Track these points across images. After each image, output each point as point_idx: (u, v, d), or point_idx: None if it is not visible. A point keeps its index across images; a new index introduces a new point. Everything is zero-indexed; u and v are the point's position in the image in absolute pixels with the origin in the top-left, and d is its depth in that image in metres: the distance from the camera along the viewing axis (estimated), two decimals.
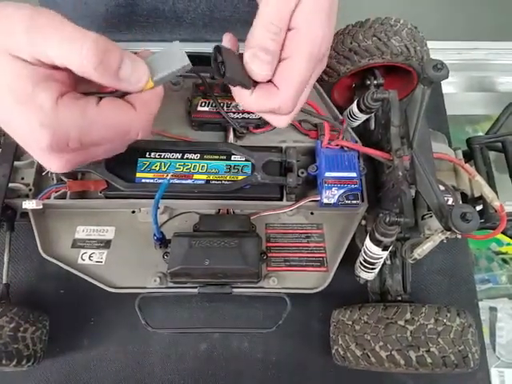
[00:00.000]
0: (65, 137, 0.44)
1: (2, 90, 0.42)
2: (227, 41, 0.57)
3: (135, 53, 0.48)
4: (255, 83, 0.52)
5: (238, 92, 0.54)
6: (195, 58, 0.77)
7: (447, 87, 1.05)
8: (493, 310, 1.02)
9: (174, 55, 0.48)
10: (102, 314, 0.76)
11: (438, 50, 1.04)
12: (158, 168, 0.69)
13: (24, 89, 0.42)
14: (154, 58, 0.48)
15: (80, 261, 0.67)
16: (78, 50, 0.41)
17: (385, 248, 0.60)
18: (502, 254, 1.10)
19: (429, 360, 0.57)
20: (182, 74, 0.50)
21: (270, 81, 0.52)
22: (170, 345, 0.75)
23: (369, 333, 0.61)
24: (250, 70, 0.51)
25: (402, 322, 0.60)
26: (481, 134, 0.76)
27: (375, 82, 0.77)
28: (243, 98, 0.54)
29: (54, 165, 0.48)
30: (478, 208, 0.69)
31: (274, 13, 0.50)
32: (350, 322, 0.64)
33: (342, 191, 0.66)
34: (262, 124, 0.72)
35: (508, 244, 1.08)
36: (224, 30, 0.98)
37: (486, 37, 1.08)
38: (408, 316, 0.60)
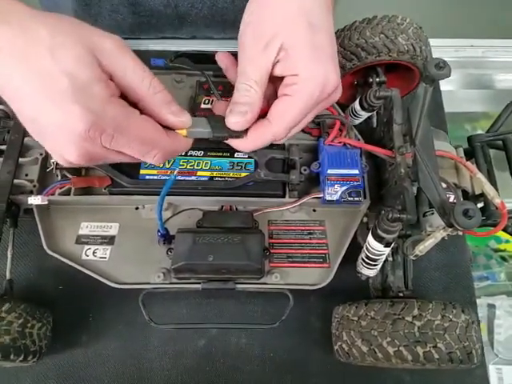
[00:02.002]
0: (102, 129, 0.46)
1: (61, 73, 0.44)
2: (220, 60, 0.62)
3: None
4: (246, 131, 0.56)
5: (232, 141, 0.58)
6: (199, 56, 0.79)
7: (445, 85, 1.05)
8: (491, 307, 1.02)
9: (204, 124, 0.56)
10: (101, 310, 0.76)
11: (436, 47, 1.04)
12: (161, 165, 0.69)
13: (84, 76, 0.45)
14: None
15: (84, 257, 0.68)
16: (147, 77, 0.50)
17: (387, 244, 0.60)
18: (501, 251, 1.11)
19: (436, 356, 0.58)
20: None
21: (264, 116, 0.56)
22: (168, 341, 0.76)
23: (376, 328, 0.61)
24: (228, 123, 0.55)
25: (409, 318, 0.60)
26: (480, 131, 0.76)
27: (377, 79, 0.78)
28: (238, 145, 0.58)
29: (72, 153, 0.48)
30: (480, 205, 0.70)
31: (241, 72, 0.54)
32: (356, 318, 0.64)
33: (344, 188, 0.67)
34: None
35: (507, 241, 1.09)
36: (226, 31, 1.00)
37: (483, 34, 1.09)
38: (416, 312, 0.60)
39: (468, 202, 0.55)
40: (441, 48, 1.07)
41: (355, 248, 0.69)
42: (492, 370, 0.96)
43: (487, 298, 1.04)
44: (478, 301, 0.82)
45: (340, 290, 0.74)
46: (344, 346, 0.65)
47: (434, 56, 0.98)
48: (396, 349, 0.59)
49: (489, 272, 1.08)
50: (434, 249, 0.79)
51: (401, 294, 0.69)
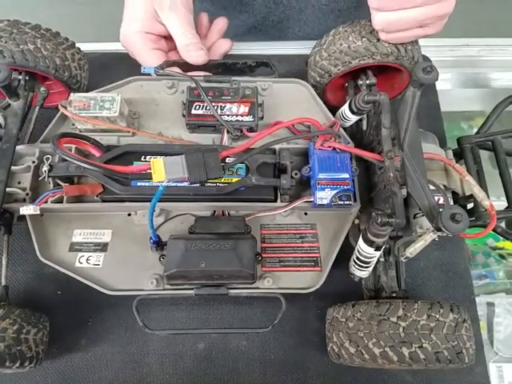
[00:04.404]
0: None
1: None
2: None
3: None
4: None
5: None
6: (189, 64, 0.79)
7: (441, 84, 1.05)
8: (490, 305, 1.02)
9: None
10: (100, 315, 0.77)
11: (431, 46, 1.05)
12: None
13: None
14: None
15: (77, 264, 0.68)
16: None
17: (377, 248, 0.61)
18: (499, 249, 1.10)
19: (422, 356, 0.58)
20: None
21: None
22: (167, 344, 0.76)
23: (362, 330, 0.61)
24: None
25: (394, 319, 0.60)
26: (476, 129, 0.76)
27: (367, 81, 0.78)
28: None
29: None
30: (470, 205, 0.70)
31: None
32: (344, 320, 0.64)
33: (334, 192, 0.67)
34: (255, 127, 0.73)
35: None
36: None
37: (478, 33, 1.09)
38: (400, 312, 0.60)
39: (455, 206, 0.55)
40: (436, 47, 1.07)
41: (348, 249, 0.69)
42: (492, 368, 0.96)
43: (486, 296, 1.03)
44: (477, 299, 0.82)
45: (338, 291, 0.75)
46: (334, 347, 0.65)
47: (428, 55, 0.99)
48: (382, 350, 0.59)
49: (487, 270, 1.07)
50: (433, 248, 0.80)
51: (394, 295, 0.69)
